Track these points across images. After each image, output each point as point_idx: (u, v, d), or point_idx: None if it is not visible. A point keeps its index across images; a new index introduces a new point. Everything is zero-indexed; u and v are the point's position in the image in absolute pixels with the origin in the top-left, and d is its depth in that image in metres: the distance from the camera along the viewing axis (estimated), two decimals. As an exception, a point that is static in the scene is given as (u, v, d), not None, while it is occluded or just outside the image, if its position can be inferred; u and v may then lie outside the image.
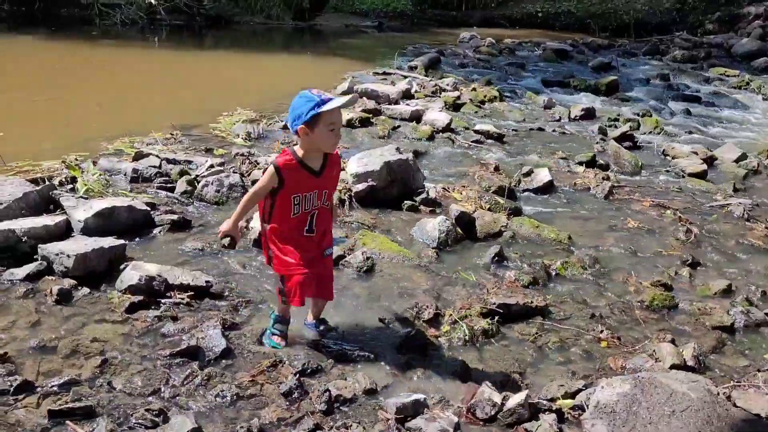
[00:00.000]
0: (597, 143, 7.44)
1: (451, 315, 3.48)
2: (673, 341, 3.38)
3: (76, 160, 5.37)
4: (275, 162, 2.84)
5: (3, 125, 6.72)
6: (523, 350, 3.31)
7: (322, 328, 3.24)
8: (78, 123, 7.10)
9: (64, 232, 3.95)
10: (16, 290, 3.36)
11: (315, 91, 2.79)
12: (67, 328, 3.08)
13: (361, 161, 5.20)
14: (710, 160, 7.02)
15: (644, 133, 8.29)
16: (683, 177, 6.50)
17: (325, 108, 2.71)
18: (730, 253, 4.75)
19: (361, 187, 4.99)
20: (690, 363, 3.20)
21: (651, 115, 9.23)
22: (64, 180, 4.81)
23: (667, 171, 6.71)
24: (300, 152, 2.86)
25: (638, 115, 9.22)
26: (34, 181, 4.67)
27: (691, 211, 5.52)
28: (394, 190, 5.12)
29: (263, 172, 2.96)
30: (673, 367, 3.12)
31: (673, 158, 7.11)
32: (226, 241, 3.05)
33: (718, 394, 2.76)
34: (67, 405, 2.51)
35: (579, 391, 2.89)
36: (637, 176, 6.50)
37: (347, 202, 4.93)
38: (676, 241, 4.85)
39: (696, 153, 7.13)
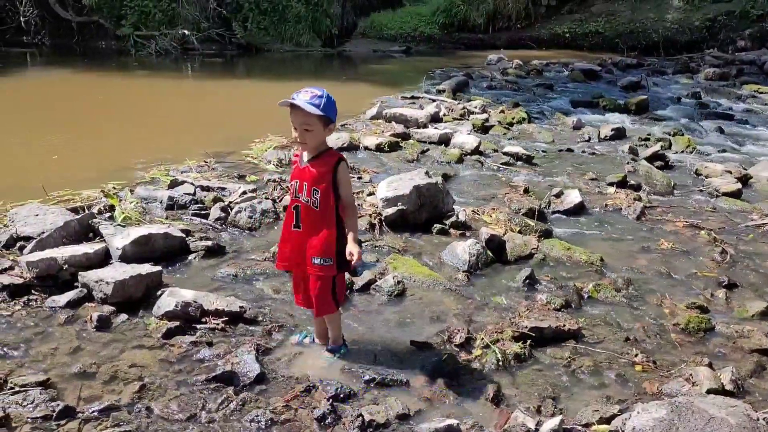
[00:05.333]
0: (628, 163, 7.38)
1: (482, 339, 3.48)
2: (710, 365, 3.32)
3: (114, 188, 5.53)
4: None
5: (46, 155, 6.97)
6: (557, 374, 3.28)
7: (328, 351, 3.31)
8: (116, 152, 7.31)
9: (103, 259, 4.07)
10: (58, 317, 3.47)
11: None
12: (107, 354, 3.17)
13: (391, 185, 5.25)
14: (745, 179, 6.90)
15: (676, 153, 8.20)
16: (717, 196, 6.40)
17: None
18: (767, 274, 4.66)
19: (391, 211, 5.03)
20: (728, 387, 3.13)
21: (683, 134, 9.11)
22: (102, 208, 4.95)
23: (701, 190, 6.62)
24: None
25: (669, 134, 9.11)
26: (75, 210, 4.82)
27: (726, 231, 5.43)
28: (424, 214, 5.14)
29: None
30: (710, 391, 3.06)
31: (706, 177, 7.01)
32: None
33: (758, 419, 2.70)
34: (107, 431, 2.57)
35: (614, 416, 2.85)
36: (669, 196, 6.43)
37: (377, 227, 4.98)
38: (711, 262, 4.77)
39: (730, 172, 7.02)
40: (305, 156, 3.05)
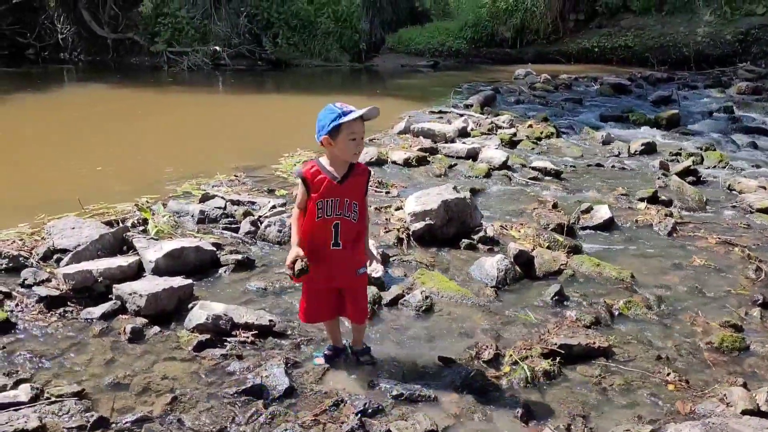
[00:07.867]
0: (658, 179, 7.30)
1: (511, 355, 3.46)
2: (744, 385, 3.25)
3: (147, 202, 5.64)
4: (300, 172, 3.05)
5: (82, 169, 7.14)
6: (587, 392, 3.25)
7: (361, 358, 3.36)
8: (149, 166, 7.46)
9: (136, 272, 4.15)
10: (93, 328, 3.54)
11: (339, 104, 2.94)
12: (139, 366, 3.22)
13: (419, 200, 5.26)
14: (780, 195, 6.78)
15: (708, 168, 8.08)
16: (751, 212, 6.29)
17: (345, 119, 2.86)
18: (804, 293, 4.55)
19: (418, 226, 5.04)
20: (763, 408, 3.06)
21: (715, 149, 8.99)
22: (136, 222, 5.04)
23: (734, 206, 6.51)
24: (325, 161, 3.04)
25: (701, 149, 9.00)
26: (109, 224, 4.92)
27: (760, 248, 5.32)
28: (452, 229, 5.15)
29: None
30: (745, 412, 3.00)
31: (739, 193, 6.90)
32: (298, 264, 2.94)
33: (795, 442, 2.65)
34: (140, 441, 2.61)
35: (646, 436, 2.82)
36: (701, 212, 6.33)
37: (405, 241, 4.99)
38: (745, 280, 4.69)
39: (764, 187, 6.89)
40: (334, 171, 3.01)
